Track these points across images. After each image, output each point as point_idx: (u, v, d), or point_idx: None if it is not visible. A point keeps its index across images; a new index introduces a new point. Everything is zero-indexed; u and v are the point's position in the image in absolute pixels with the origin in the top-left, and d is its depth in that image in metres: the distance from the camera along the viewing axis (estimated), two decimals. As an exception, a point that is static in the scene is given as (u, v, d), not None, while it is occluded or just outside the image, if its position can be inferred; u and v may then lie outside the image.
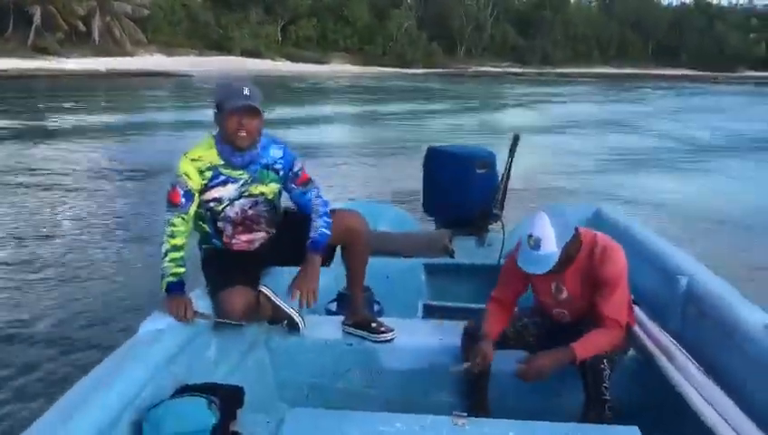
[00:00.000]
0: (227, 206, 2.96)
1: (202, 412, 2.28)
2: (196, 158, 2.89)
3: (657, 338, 2.88)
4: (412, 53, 68.70)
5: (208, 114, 3.00)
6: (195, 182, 2.87)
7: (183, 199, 2.86)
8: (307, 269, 2.93)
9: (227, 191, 2.94)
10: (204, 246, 3.14)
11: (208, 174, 2.89)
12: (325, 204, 3.05)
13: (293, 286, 2.90)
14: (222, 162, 2.91)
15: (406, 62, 67.06)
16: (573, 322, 2.82)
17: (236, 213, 2.99)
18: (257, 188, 2.98)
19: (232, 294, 2.87)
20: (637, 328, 2.95)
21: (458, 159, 5.02)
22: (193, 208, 2.91)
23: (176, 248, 2.85)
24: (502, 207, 4.85)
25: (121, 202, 9.79)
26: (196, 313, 2.76)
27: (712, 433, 2.33)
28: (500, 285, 2.94)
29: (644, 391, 2.90)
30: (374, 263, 4.15)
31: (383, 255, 4.35)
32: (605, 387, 2.61)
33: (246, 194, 2.97)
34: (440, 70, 65.56)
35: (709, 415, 2.40)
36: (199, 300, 2.86)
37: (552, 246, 2.56)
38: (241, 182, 2.94)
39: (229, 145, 2.87)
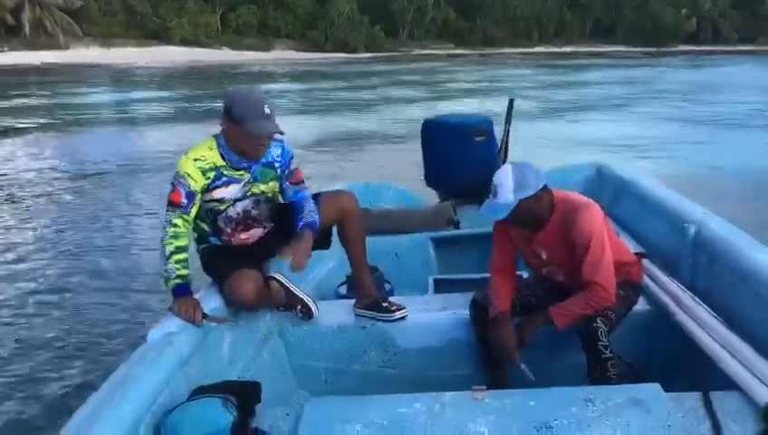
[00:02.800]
0: (230, 206, 2.93)
1: (218, 413, 2.21)
2: (199, 157, 2.84)
3: (669, 289, 2.91)
4: (355, 38, 68.25)
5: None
6: (197, 183, 2.82)
7: (185, 200, 2.81)
8: (300, 240, 2.92)
9: (230, 192, 2.91)
10: (201, 246, 3.09)
11: (211, 175, 2.85)
12: (313, 201, 3.07)
13: (286, 249, 2.92)
14: (224, 163, 2.87)
15: (348, 47, 66.65)
16: (571, 281, 2.77)
17: (238, 213, 2.96)
18: (258, 187, 2.97)
19: (241, 277, 2.83)
20: (648, 281, 2.98)
21: (455, 129, 4.98)
22: (194, 209, 2.86)
23: (180, 250, 2.79)
24: None
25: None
26: (206, 315, 2.70)
27: (731, 380, 2.34)
28: (494, 252, 2.95)
29: (660, 343, 2.92)
30: (381, 242, 4.11)
31: (390, 233, 4.33)
32: (602, 345, 2.56)
33: (249, 194, 2.95)
34: (383, 54, 65.32)
35: (727, 362, 2.42)
36: (206, 300, 2.81)
37: (507, 195, 2.60)
38: (243, 182, 2.92)
39: (238, 154, 2.85)
